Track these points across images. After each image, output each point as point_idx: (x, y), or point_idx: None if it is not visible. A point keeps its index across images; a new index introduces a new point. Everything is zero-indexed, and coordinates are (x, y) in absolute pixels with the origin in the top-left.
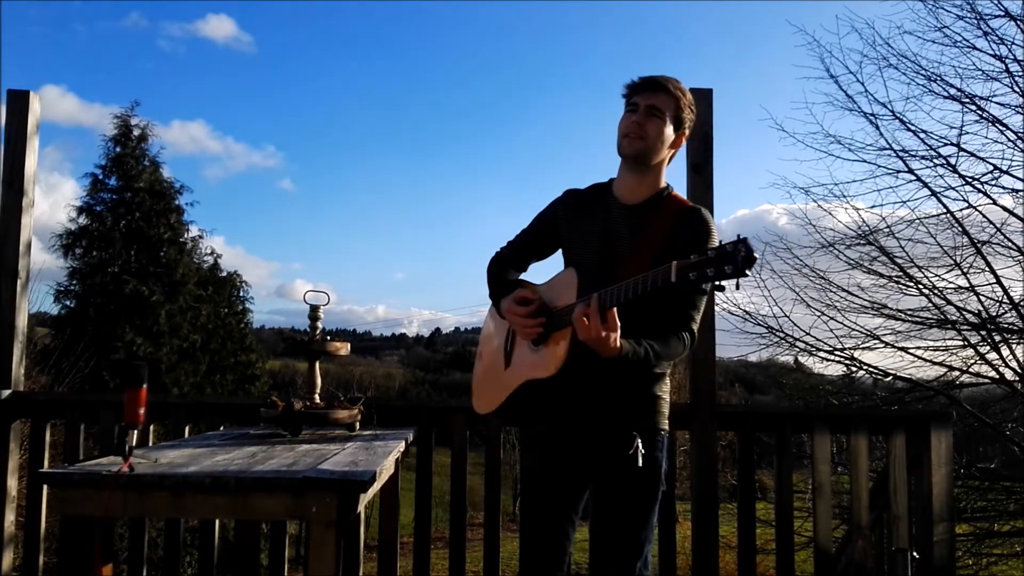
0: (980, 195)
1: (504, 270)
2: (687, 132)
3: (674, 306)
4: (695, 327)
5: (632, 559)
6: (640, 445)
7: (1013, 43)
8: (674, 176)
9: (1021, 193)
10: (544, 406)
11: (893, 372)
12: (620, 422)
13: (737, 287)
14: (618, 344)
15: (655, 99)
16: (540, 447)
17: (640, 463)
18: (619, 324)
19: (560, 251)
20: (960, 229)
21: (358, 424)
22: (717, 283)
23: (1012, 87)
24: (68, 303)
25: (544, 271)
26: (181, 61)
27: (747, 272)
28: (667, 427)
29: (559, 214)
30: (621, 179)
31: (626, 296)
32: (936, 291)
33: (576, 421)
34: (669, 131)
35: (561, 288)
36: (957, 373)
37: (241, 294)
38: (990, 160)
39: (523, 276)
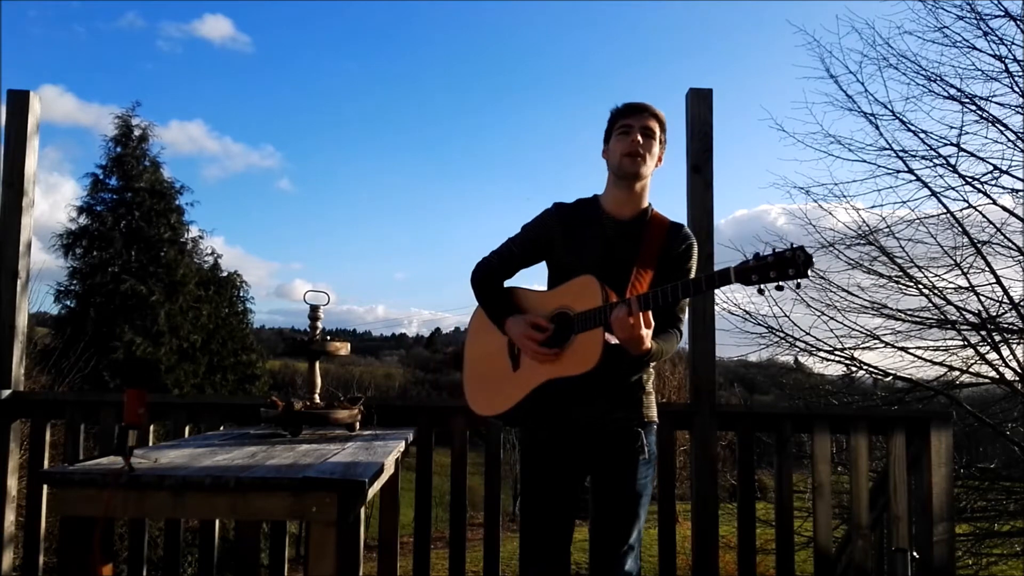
0: (980, 195)
1: (496, 281)
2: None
3: (668, 308)
4: (683, 325)
5: (624, 540)
6: (644, 438)
7: (1013, 43)
8: (674, 176)
9: (1021, 193)
10: (553, 405)
11: (893, 372)
12: (624, 418)
13: (798, 286)
14: (649, 343)
15: (646, 121)
16: (543, 447)
17: (646, 455)
18: (653, 324)
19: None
20: (960, 229)
21: (358, 424)
22: (779, 284)
23: (1012, 87)
24: (68, 303)
25: (525, 279)
26: (179, 61)
27: (808, 274)
28: (656, 417)
29: (553, 227)
30: (612, 196)
31: (674, 297)
32: (936, 291)
33: (584, 418)
34: (657, 150)
35: (580, 293)
36: (957, 373)
37: (241, 294)
38: (990, 160)
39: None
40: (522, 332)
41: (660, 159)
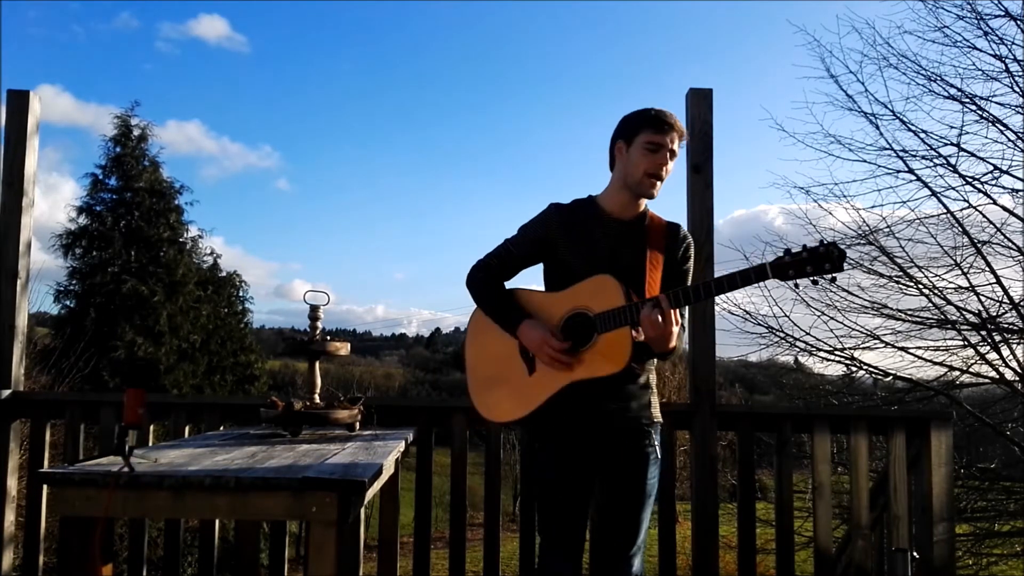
0: (980, 195)
1: (498, 283)
2: None
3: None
4: (685, 322)
5: (634, 540)
6: (654, 438)
7: (1013, 43)
8: (674, 176)
9: (1021, 193)
10: (574, 407)
11: (893, 372)
12: (636, 417)
13: (833, 280)
14: (675, 340)
15: (674, 144)
16: (557, 447)
17: (657, 455)
18: (679, 321)
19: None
20: (960, 229)
21: (358, 424)
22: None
23: (1012, 87)
24: (68, 303)
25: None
26: (175, 61)
27: (843, 268)
28: (660, 417)
29: (554, 228)
30: (616, 199)
31: (707, 293)
32: (936, 291)
33: (599, 419)
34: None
35: (597, 293)
36: (957, 373)
37: (241, 294)
38: (990, 160)
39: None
40: (541, 337)
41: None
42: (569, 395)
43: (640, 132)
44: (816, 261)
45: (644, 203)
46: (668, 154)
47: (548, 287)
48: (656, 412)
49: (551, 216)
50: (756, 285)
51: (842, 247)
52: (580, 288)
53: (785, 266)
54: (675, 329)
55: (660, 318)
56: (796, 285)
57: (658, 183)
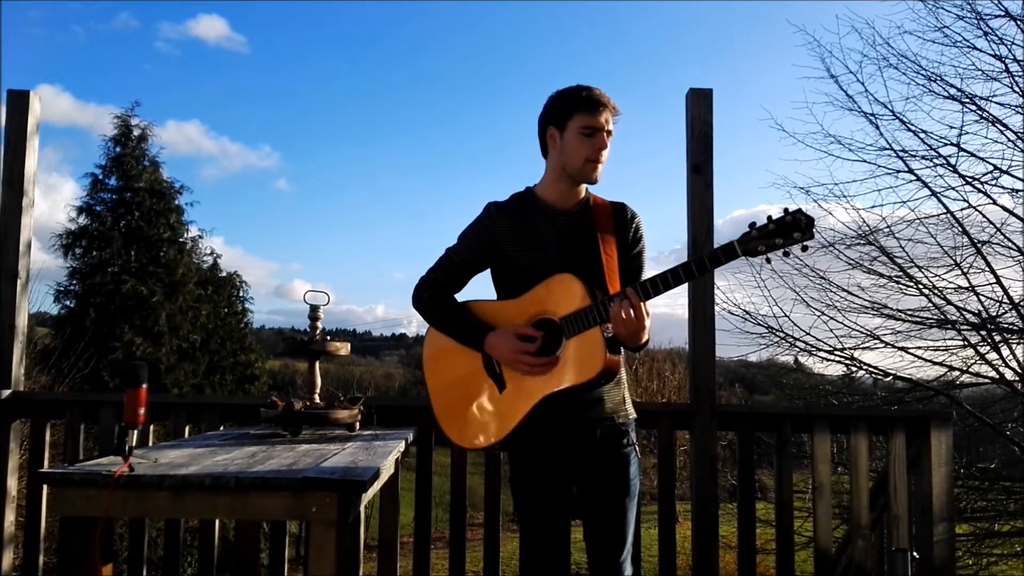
0: (980, 195)
1: (449, 297)
2: None
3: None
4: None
5: (623, 547)
6: (632, 436)
7: (1013, 43)
8: (674, 176)
9: (1021, 193)
10: (553, 418)
11: (893, 372)
12: (612, 417)
13: (804, 249)
14: (647, 334)
15: (611, 123)
16: (536, 459)
17: (637, 453)
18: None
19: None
20: (960, 229)
21: (358, 424)
22: (784, 249)
23: (1012, 87)
24: (68, 303)
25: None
26: (175, 61)
27: (814, 234)
28: (633, 412)
29: (498, 228)
30: (556, 188)
31: (676, 281)
32: (936, 291)
33: (577, 423)
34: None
35: (560, 295)
36: (957, 373)
37: (241, 294)
38: (990, 160)
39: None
40: (512, 347)
41: None
42: (550, 408)
43: (572, 116)
44: (784, 231)
45: (584, 188)
46: (605, 135)
47: (500, 293)
48: (630, 408)
49: (492, 216)
50: (758, 284)
51: (810, 215)
52: (540, 291)
53: (753, 241)
54: (647, 323)
55: (632, 313)
56: (785, 254)
57: (600, 166)
